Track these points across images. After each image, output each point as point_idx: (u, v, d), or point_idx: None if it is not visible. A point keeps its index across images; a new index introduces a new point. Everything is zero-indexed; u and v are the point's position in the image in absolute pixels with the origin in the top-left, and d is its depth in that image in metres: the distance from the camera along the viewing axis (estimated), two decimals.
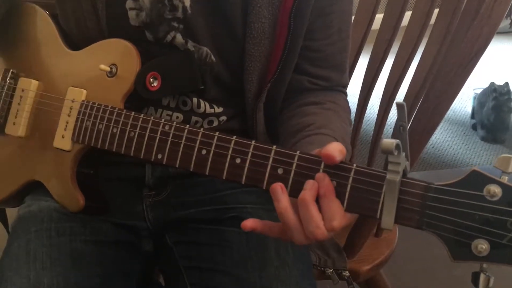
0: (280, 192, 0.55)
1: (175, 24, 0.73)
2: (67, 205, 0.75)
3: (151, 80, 0.71)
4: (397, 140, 0.47)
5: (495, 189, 0.45)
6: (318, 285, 0.80)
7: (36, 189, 0.80)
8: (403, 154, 0.49)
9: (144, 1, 0.72)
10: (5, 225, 0.96)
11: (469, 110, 2.58)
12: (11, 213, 0.87)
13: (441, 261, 1.54)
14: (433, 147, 2.29)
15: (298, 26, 0.72)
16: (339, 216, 0.53)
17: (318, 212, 0.53)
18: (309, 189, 0.53)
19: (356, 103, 1.06)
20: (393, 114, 0.96)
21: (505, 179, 0.46)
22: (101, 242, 0.77)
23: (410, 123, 0.85)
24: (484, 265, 0.46)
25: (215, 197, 0.82)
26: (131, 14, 0.73)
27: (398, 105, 0.49)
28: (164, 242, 0.82)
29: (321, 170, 0.53)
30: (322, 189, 0.53)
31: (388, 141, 0.47)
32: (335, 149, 0.52)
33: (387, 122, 1.00)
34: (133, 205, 0.81)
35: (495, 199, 0.45)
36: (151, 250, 0.83)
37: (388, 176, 0.49)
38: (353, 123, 1.07)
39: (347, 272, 0.91)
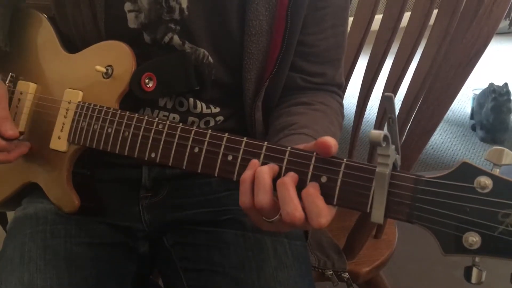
0: (253, 164, 0.55)
1: (172, 26, 0.73)
2: (62, 206, 0.75)
3: (146, 80, 0.71)
4: (385, 132, 0.46)
5: (486, 181, 0.44)
6: (318, 287, 0.80)
7: (33, 191, 0.80)
8: (393, 146, 0.48)
9: (142, 2, 0.72)
10: (5, 227, 0.96)
11: (468, 110, 2.58)
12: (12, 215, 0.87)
13: (441, 262, 1.54)
14: (432, 148, 2.29)
15: (295, 21, 0.72)
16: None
17: (297, 196, 0.52)
18: (290, 176, 0.53)
19: (356, 104, 1.06)
20: None
21: (496, 172, 0.45)
22: (96, 243, 0.77)
23: (409, 124, 0.84)
24: (477, 259, 0.45)
25: (212, 198, 0.82)
26: (130, 16, 0.73)
27: (386, 97, 0.47)
28: (162, 244, 0.82)
29: (311, 165, 0.53)
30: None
31: (376, 132, 0.46)
32: (331, 140, 0.52)
33: None
34: (130, 207, 0.81)
35: (486, 191, 0.44)
36: (147, 252, 0.82)
37: (378, 169, 0.48)
38: (352, 124, 1.07)
39: (347, 273, 0.90)
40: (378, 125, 0.99)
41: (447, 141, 2.37)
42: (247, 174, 0.55)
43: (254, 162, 0.55)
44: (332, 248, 0.94)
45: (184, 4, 0.72)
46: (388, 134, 0.47)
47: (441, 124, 2.31)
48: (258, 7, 0.70)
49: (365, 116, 1.06)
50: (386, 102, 0.48)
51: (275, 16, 0.71)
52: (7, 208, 0.89)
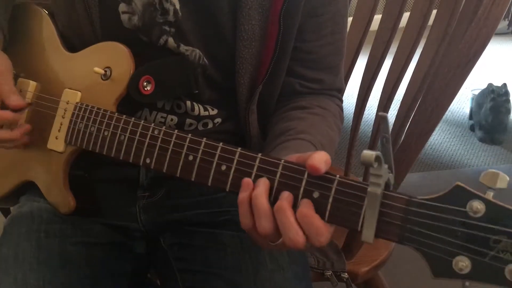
0: (247, 185, 0.54)
1: (167, 28, 0.72)
2: (58, 206, 0.75)
3: (145, 84, 0.71)
4: (377, 152, 0.46)
5: (478, 205, 0.44)
6: (316, 287, 0.79)
7: (31, 189, 0.80)
8: (386, 166, 0.48)
9: (136, 4, 0.71)
10: None
11: (467, 111, 2.58)
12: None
13: None
14: (431, 148, 2.29)
15: (289, 28, 0.71)
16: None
17: (296, 220, 0.52)
18: (285, 199, 0.52)
19: (354, 104, 1.06)
20: (391, 115, 0.96)
21: (490, 195, 0.44)
22: (91, 243, 0.77)
23: (408, 125, 0.84)
24: (467, 283, 0.45)
25: (210, 199, 0.82)
26: (124, 17, 0.72)
27: (381, 117, 0.47)
28: (159, 244, 0.82)
29: (304, 180, 0.53)
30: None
31: (368, 153, 0.45)
32: (321, 160, 0.51)
33: None
34: (127, 207, 0.81)
35: (478, 215, 0.44)
36: (143, 252, 0.82)
37: (370, 188, 0.48)
38: (351, 124, 1.08)
39: (346, 273, 0.90)
40: (377, 125, 0.99)
41: (446, 141, 2.37)
42: (243, 196, 0.54)
43: (248, 182, 0.55)
44: (331, 248, 0.93)
45: (178, 5, 0.71)
46: (381, 154, 0.46)
47: (439, 125, 2.32)
48: (250, 12, 0.70)
49: (364, 116, 1.06)
50: (381, 121, 0.47)
51: (268, 21, 0.71)
52: (5, 204, 0.89)
